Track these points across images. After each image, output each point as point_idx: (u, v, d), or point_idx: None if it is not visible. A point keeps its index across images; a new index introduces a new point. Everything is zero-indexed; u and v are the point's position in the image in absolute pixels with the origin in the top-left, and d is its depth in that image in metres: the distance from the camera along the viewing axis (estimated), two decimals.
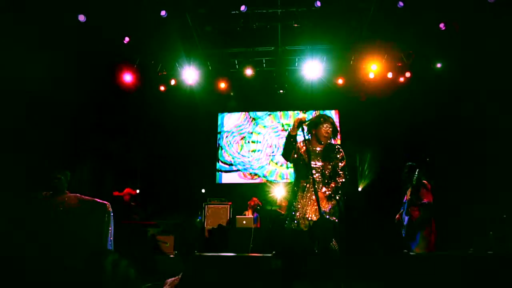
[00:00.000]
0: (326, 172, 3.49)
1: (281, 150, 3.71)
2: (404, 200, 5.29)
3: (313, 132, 3.67)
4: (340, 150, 3.63)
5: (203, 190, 9.84)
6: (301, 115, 3.57)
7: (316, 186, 3.31)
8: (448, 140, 8.23)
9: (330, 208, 3.30)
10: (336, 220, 3.31)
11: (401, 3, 7.01)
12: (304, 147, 3.50)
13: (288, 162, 3.75)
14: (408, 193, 5.20)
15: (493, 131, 7.40)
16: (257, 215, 7.50)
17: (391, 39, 8.33)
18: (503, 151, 7.10)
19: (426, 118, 8.77)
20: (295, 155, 3.57)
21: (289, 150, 3.52)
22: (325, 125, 3.63)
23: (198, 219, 8.41)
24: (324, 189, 3.39)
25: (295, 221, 3.33)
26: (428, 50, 8.53)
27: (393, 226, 5.50)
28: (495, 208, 6.63)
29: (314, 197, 3.29)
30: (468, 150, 7.84)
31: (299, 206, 3.41)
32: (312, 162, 3.46)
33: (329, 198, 3.35)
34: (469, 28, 7.43)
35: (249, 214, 7.48)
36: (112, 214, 4.16)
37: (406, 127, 9.04)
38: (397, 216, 5.39)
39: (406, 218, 5.09)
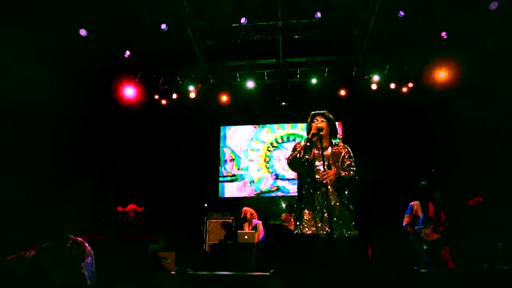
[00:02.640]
0: (332, 169, 3.17)
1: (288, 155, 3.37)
2: (423, 216, 5.23)
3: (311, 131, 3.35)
4: (345, 146, 3.39)
5: (205, 205, 9.70)
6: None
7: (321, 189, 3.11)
8: (452, 149, 8.08)
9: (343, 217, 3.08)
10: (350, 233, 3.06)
11: (401, 13, 6.97)
12: (300, 147, 3.26)
13: (291, 169, 3.40)
14: (431, 209, 5.20)
15: (499, 138, 7.28)
16: (256, 223, 7.30)
17: (393, 48, 8.27)
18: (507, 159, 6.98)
19: (430, 128, 8.65)
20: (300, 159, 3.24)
21: (303, 157, 3.21)
22: (315, 119, 3.43)
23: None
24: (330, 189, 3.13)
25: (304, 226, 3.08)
26: (430, 59, 8.45)
27: (398, 238, 5.44)
28: (499, 218, 6.47)
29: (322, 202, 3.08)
30: (470, 159, 7.69)
31: (308, 212, 3.13)
32: (317, 163, 3.26)
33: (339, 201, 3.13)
34: (471, 36, 7.37)
35: (246, 227, 7.31)
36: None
37: (410, 138, 8.93)
38: (408, 227, 5.33)
39: (437, 235, 5.04)
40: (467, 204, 4.93)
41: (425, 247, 5.13)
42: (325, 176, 3.05)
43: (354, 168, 3.27)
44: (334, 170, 3.14)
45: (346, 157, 3.32)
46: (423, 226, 5.17)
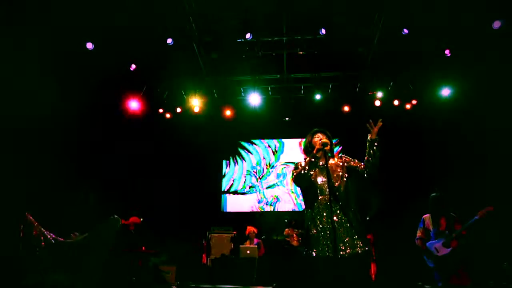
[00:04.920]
0: (336, 184, 3.21)
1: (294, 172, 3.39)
2: (434, 230, 4.96)
3: (311, 149, 3.37)
4: (341, 156, 3.42)
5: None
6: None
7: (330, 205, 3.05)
8: (454, 166, 8.07)
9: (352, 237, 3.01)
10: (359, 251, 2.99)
11: (405, 30, 7.04)
12: (305, 163, 3.28)
13: (297, 185, 3.48)
14: (443, 223, 4.91)
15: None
16: (258, 242, 7.26)
17: (397, 65, 8.33)
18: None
19: (432, 146, 8.64)
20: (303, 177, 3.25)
21: (308, 172, 3.24)
22: (316, 136, 3.45)
23: None
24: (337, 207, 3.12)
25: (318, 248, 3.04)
26: (433, 77, 8.50)
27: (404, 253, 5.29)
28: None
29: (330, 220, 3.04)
30: (473, 176, 7.64)
31: (314, 231, 3.11)
32: (319, 178, 3.27)
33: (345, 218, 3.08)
34: (474, 55, 7.43)
35: (247, 245, 7.27)
36: None
37: (415, 155, 8.91)
38: (418, 242, 5.06)
39: (447, 250, 4.75)
40: (479, 216, 4.68)
41: (435, 263, 4.83)
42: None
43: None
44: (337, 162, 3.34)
45: (349, 160, 3.38)
46: (434, 241, 4.90)
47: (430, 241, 4.95)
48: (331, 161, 3.38)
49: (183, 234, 8.47)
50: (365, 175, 3.26)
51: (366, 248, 3.02)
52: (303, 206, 3.39)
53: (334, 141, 3.56)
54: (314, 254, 3.03)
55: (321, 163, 3.29)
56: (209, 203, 10.07)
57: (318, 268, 3.01)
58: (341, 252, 2.96)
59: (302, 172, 3.24)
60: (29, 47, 6.37)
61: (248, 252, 6.48)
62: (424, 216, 5.14)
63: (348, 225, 3.07)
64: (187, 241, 8.32)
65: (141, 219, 7.49)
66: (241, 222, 8.74)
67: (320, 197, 3.19)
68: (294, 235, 7.10)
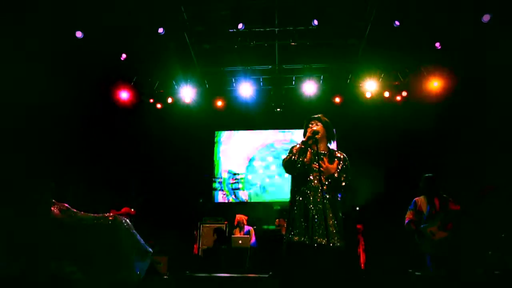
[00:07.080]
0: (323, 178, 3.11)
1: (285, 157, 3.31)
2: (428, 212, 4.76)
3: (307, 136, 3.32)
4: (341, 153, 3.30)
5: (200, 200, 9.71)
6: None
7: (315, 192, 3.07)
8: (447, 158, 8.17)
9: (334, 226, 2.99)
10: (338, 244, 2.96)
11: (397, 22, 7.08)
12: (296, 149, 3.23)
13: (286, 172, 3.31)
14: (437, 204, 4.76)
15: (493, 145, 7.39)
16: (248, 229, 7.32)
17: (388, 57, 8.38)
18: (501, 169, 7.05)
19: (425, 137, 8.74)
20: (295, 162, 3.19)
21: (297, 159, 3.17)
22: (310, 124, 3.39)
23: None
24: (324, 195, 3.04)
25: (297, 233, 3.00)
26: (424, 68, 8.58)
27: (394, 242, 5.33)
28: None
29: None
30: (466, 168, 7.75)
31: (297, 217, 3.06)
32: (309, 166, 3.21)
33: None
34: (464, 47, 7.50)
35: (237, 233, 7.33)
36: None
37: (405, 146, 9.01)
38: (411, 225, 4.85)
39: (444, 234, 4.56)
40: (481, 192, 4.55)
41: (430, 248, 4.63)
42: (325, 166, 3.07)
43: (346, 175, 3.20)
44: (335, 165, 3.14)
45: (341, 163, 3.23)
46: (428, 223, 4.71)
47: (423, 224, 4.77)
48: (330, 152, 3.33)
49: (175, 225, 8.48)
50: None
51: (344, 243, 3.01)
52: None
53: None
54: (297, 239, 2.99)
55: (312, 151, 3.25)
56: (201, 194, 10.09)
57: (301, 255, 2.98)
58: (325, 242, 2.91)
59: (292, 158, 3.20)
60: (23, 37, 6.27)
61: (240, 242, 6.53)
62: (416, 198, 5.00)
63: (333, 217, 3.06)
64: (179, 231, 8.33)
65: (132, 210, 7.48)
66: (233, 212, 8.79)
67: (308, 185, 3.16)
68: (285, 225, 7.16)
